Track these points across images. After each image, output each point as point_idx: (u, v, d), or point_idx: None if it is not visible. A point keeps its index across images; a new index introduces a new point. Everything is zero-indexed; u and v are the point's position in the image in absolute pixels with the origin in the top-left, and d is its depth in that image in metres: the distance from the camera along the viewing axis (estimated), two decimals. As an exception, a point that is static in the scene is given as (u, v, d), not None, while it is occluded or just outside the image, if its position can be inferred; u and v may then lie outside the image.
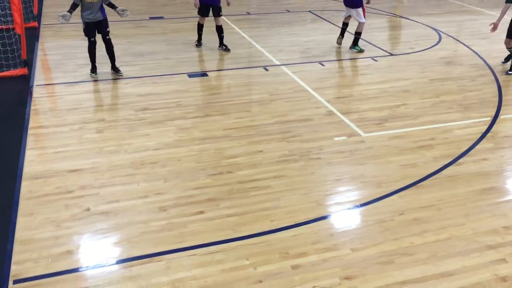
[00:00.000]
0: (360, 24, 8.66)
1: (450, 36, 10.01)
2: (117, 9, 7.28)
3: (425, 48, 9.26)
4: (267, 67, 8.18)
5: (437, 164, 5.27)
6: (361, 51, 8.84)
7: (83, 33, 7.41)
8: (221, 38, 8.93)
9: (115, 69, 7.69)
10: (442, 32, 10.24)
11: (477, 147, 5.64)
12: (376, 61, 8.51)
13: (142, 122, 6.16)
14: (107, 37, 7.37)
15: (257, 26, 10.76)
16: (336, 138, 5.85)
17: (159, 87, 7.29)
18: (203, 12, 8.73)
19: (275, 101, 6.88)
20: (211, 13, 8.65)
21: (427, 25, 10.77)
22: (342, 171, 5.17)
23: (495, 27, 7.57)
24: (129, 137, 5.79)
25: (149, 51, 8.89)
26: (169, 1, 13.19)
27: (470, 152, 5.52)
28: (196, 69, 8.10)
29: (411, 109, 6.63)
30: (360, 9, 8.54)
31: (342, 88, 7.45)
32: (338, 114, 6.46)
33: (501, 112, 6.53)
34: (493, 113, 6.48)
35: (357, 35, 8.82)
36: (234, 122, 6.22)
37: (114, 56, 7.60)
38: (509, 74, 7.82)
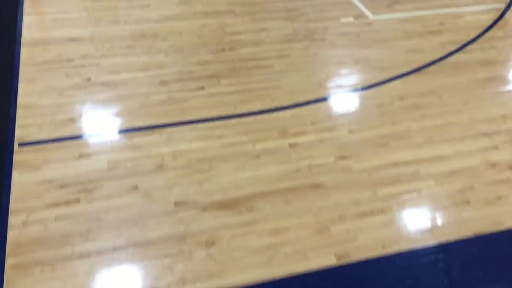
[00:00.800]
0: None
1: None
2: None
3: None
4: None
5: (443, 50, 5.17)
6: None
7: None
8: None
9: None
10: None
11: (486, 34, 5.48)
12: None
13: (142, -8, 5.91)
14: None
15: None
16: (342, 19, 5.66)
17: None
18: None
19: (282, -23, 6.53)
20: None
21: None
22: (346, 53, 5.08)
23: None
24: (129, 8, 5.59)
25: None
26: None
27: (478, 40, 5.39)
28: None
29: (424, -8, 6.33)
30: None
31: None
32: (347, -7, 6.18)
33: (517, -1, 6.25)
34: (508, 0, 6.21)
35: None
36: (238, -3, 5.97)
37: None
38: None
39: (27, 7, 5.47)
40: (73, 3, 5.57)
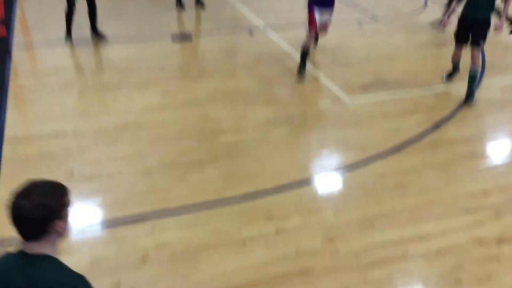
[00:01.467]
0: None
1: (435, 1, 9.94)
2: None
3: (412, 12, 9.20)
4: (252, 30, 8.07)
5: (420, 128, 5.32)
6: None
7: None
8: None
9: (96, 31, 7.45)
10: (429, -3, 10.17)
11: (459, 112, 5.70)
12: (362, 25, 8.45)
13: (125, 85, 6.08)
14: None
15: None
16: (320, 104, 5.85)
17: (143, 50, 7.16)
18: None
19: (261, 64, 6.82)
20: None
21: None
22: (326, 136, 5.20)
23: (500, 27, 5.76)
24: (112, 100, 5.72)
25: (132, 13, 8.69)
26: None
27: (453, 118, 5.58)
28: (181, 31, 7.95)
29: (396, 74, 6.64)
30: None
31: (328, 52, 7.40)
32: (323, 78, 6.45)
33: (483, 79, 6.57)
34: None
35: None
36: (219, 85, 6.17)
37: (96, 17, 7.37)
38: (468, 103, 5.84)
39: (11, 102, 5.56)
40: (57, 97, 5.68)
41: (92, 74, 6.40)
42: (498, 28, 5.71)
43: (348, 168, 4.67)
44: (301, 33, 8.00)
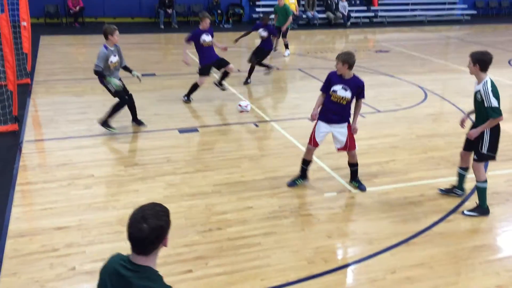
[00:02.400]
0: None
1: (436, 94, 10.27)
2: (132, 72, 7.80)
3: (412, 105, 9.47)
4: (257, 123, 8.28)
5: (427, 220, 5.26)
6: None
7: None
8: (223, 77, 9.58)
9: (137, 121, 7.95)
10: (428, 90, 10.51)
11: (466, 203, 5.65)
12: (364, 117, 8.66)
13: (131, 178, 6.14)
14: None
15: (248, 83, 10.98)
16: (326, 194, 5.84)
17: (150, 143, 7.32)
18: (206, 71, 9.13)
19: (265, 157, 6.92)
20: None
21: (413, 83, 11.06)
22: (332, 227, 5.13)
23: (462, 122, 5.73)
24: (118, 193, 5.74)
25: (140, 107, 8.98)
26: (162, 58, 13.49)
27: (459, 208, 5.53)
28: (187, 124, 8.17)
29: (399, 165, 6.69)
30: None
31: (331, 144, 7.50)
32: (328, 169, 6.49)
33: (487, 169, 6.59)
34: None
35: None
36: (224, 177, 6.21)
37: (135, 108, 7.92)
38: (467, 214, 5.41)
39: (17, 199, 5.59)
40: (63, 193, 5.71)
41: (99, 167, 6.48)
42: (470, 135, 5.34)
43: (356, 261, 4.55)
44: (306, 126, 8.21)
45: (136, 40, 15.32)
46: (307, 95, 10.04)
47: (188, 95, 9.29)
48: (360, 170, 6.47)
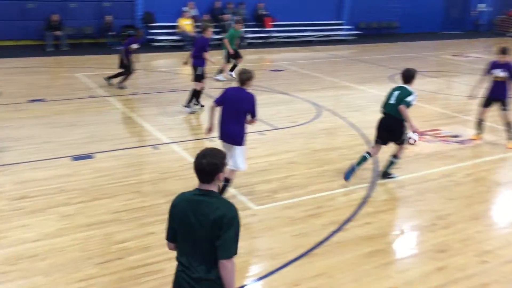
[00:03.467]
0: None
1: (328, 109, 10.82)
2: None
3: (307, 121, 9.88)
4: (156, 146, 8.11)
5: (325, 231, 5.47)
6: None
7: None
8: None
9: None
10: (321, 106, 11.03)
11: (360, 212, 5.98)
12: (264, 135, 8.86)
13: (19, 212, 5.68)
14: None
15: (145, 105, 10.77)
16: (228, 214, 5.84)
17: (40, 173, 6.84)
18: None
19: (166, 180, 6.78)
20: None
21: (308, 100, 11.56)
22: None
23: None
24: (4, 230, 5.28)
25: (28, 135, 8.40)
26: (51, 82, 12.78)
27: (354, 217, 5.83)
28: (81, 151, 7.77)
29: (298, 179, 6.91)
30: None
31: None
32: (231, 189, 6.52)
33: (378, 176, 7.04)
34: (370, 179, 6.98)
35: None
36: (123, 204, 5.98)
37: None
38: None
39: None
40: None
41: (-19, 203, 5.93)
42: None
43: (261, 277, 4.59)
44: (207, 146, 8.20)
45: (21, 64, 14.40)
46: (206, 115, 10.06)
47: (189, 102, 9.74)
48: (261, 187, 6.59)
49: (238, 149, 5.80)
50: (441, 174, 7.25)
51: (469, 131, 8.96)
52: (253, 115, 5.75)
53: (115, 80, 11.85)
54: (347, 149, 8.19)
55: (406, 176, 7.10)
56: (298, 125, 9.56)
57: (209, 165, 2.97)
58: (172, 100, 11.26)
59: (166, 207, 5.87)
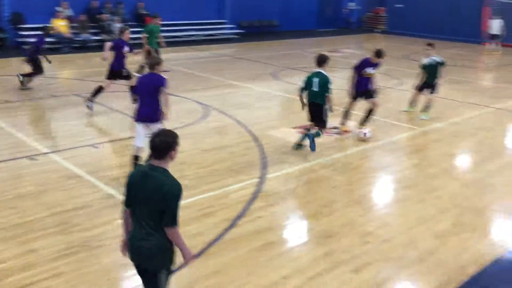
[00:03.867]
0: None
1: (215, 108, 10.89)
2: None
3: (195, 121, 9.85)
4: (33, 157, 7.55)
5: (218, 229, 5.51)
6: None
7: None
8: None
9: None
10: (208, 105, 11.07)
11: (251, 207, 6.11)
12: (150, 137, 8.68)
13: None
14: None
15: (19, 114, 9.97)
16: (118, 221, 5.64)
17: None
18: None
19: (47, 192, 6.35)
20: None
21: (195, 100, 11.53)
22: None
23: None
24: None
25: None
26: None
27: (245, 213, 5.95)
28: None
29: (189, 180, 6.87)
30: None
31: (118, 169, 7.32)
32: (118, 195, 6.29)
33: (267, 171, 7.26)
34: (259, 174, 7.17)
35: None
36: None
37: None
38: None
39: None
40: None
41: None
42: None
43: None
44: (89, 153, 7.81)
45: None
46: (87, 121, 9.60)
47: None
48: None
49: (156, 126, 6.35)
50: (324, 165, 7.67)
51: (349, 123, 9.54)
52: (163, 88, 6.37)
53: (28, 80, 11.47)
54: (235, 146, 8.33)
55: (294, 169, 7.41)
56: (186, 126, 9.50)
57: (162, 143, 3.36)
58: (49, 107, 10.57)
59: (51, 220, 5.56)
